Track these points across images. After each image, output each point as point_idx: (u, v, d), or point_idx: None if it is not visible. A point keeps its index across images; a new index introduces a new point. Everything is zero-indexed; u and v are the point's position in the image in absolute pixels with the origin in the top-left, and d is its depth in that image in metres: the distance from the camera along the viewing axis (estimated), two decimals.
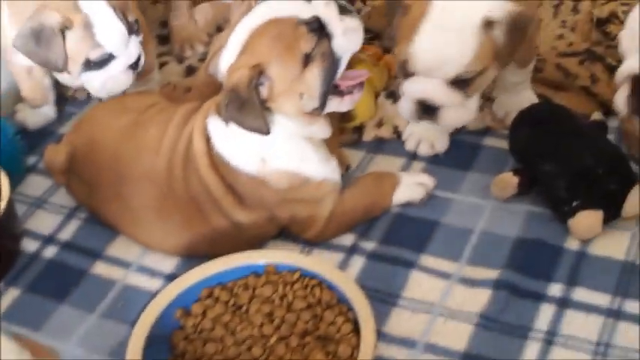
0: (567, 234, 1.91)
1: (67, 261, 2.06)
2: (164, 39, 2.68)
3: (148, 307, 1.75)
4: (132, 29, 2.13)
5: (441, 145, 2.16)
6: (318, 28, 1.81)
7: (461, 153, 2.18)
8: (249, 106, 1.79)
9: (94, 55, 2.10)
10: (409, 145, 2.18)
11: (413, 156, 2.19)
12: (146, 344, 1.68)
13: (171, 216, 1.98)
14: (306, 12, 1.82)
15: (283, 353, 1.68)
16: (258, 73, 1.78)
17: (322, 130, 1.94)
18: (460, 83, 1.89)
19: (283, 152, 1.90)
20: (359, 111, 2.21)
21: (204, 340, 1.74)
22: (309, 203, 1.94)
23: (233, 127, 1.85)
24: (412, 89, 1.94)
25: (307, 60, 1.81)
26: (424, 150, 2.16)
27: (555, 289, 1.81)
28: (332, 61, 1.83)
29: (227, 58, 1.87)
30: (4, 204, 1.99)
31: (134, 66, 2.18)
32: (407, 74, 1.93)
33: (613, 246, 1.88)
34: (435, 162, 2.17)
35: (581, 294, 1.80)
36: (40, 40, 2.04)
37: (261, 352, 1.69)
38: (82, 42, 2.08)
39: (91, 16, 2.06)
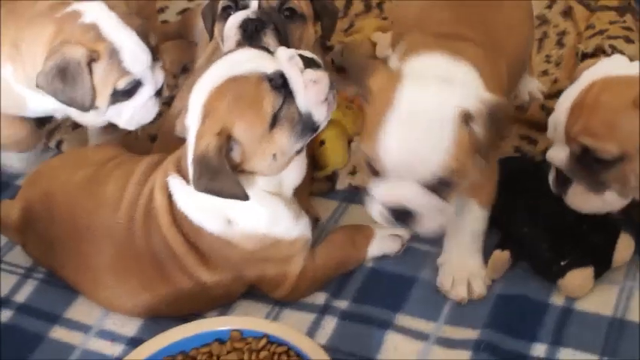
0: (551, 288, 1.90)
1: (23, 325, 2.02)
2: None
3: None
4: (155, 54, 2.10)
5: (479, 288, 1.93)
6: (281, 84, 1.78)
7: None
8: (223, 175, 1.75)
9: (123, 84, 2.07)
10: (445, 287, 1.93)
11: None
12: None
13: (131, 275, 1.95)
14: (268, 66, 1.79)
15: None
16: (226, 138, 1.75)
17: (295, 173, 1.91)
18: (438, 185, 1.68)
19: (252, 213, 1.87)
20: (331, 158, 2.21)
21: None
22: (278, 262, 1.92)
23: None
24: (382, 193, 1.74)
25: (275, 119, 1.78)
26: (460, 293, 1.91)
27: (539, 350, 1.79)
28: (301, 118, 1.81)
29: (190, 120, 1.84)
30: None
31: (159, 93, 2.16)
32: (375, 173, 1.74)
33: (600, 301, 1.87)
34: None
35: (566, 354, 1.78)
36: (66, 77, 2.01)
37: None
38: (110, 72, 2.05)
39: (116, 42, 2.03)
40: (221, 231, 1.88)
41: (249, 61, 1.80)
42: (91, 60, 2.01)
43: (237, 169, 1.79)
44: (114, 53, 2.03)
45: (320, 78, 1.81)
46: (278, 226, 1.89)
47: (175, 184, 1.88)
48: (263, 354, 1.74)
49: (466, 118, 1.62)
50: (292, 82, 1.79)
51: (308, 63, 1.82)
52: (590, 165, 1.74)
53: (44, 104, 2.22)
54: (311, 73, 1.80)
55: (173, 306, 1.95)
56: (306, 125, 1.81)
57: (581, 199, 1.80)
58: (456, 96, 1.64)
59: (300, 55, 1.82)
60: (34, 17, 2.13)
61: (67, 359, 1.93)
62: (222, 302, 1.97)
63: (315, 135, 1.87)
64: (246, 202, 1.79)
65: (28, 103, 2.26)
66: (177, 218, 1.90)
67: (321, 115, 1.82)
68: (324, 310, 1.95)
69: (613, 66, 1.79)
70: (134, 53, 2.05)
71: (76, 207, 2.01)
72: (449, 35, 1.82)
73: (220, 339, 1.78)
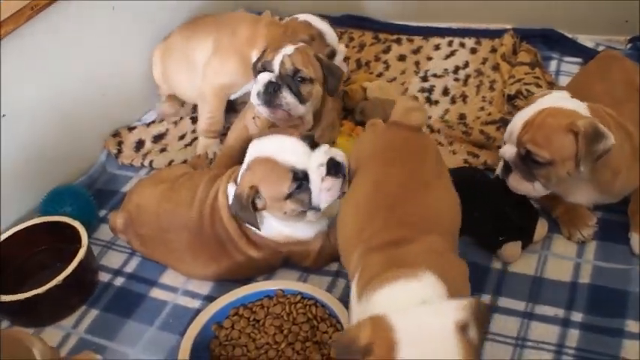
0: (492, 257, 1.91)
1: (131, 288, 2.04)
2: (195, 120, 2.62)
3: (193, 323, 1.74)
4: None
5: None
6: (301, 179, 1.77)
7: None
8: (247, 211, 1.79)
9: None
10: None
11: None
12: (192, 349, 1.68)
13: (202, 253, 1.96)
14: (300, 162, 1.77)
15: (291, 355, 1.68)
16: (255, 192, 1.78)
17: (306, 228, 1.90)
18: None
19: (277, 228, 1.89)
20: None
21: (233, 346, 1.74)
22: (303, 244, 1.93)
23: None
24: None
25: (289, 196, 1.78)
26: None
27: (485, 299, 1.81)
28: (309, 204, 1.80)
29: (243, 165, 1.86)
30: (84, 249, 1.99)
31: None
32: None
33: (526, 265, 1.89)
34: None
35: (503, 302, 1.80)
36: None
37: (275, 354, 1.69)
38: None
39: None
40: (254, 230, 1.89)
41: (290, 151, 1.78)
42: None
43: (263, 209, 1.82)
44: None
45: (334, 186, 1.79)
46: (297, 233, 1.90)
47: (232, 191, 1.88)
48: (298, 305, 1.76)
49: (463, 328, 1.22)
50: (312, 184, 1.78)
51: (334, 168, 1.78)
52: (528, 162, 1.81)
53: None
54: (329, 181, 1.78)
55: (232, 273, 1.96)
56: (311, 207, 1.81)
57: (518, 184, 1.86)
58: (443, 313, 1.23)
59: (332, 159, 1.78)
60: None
61: (163, 311, 1.95)
62: (266, 271, 1.97)
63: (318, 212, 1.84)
64: (274, 221, 1.86)
65: None
66: (233, 215, 1.90)
67: (324, 203, 1.81)
68: (337, 275, 1.96)
69: (559, 99, 1.83)
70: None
71: (160, 210, 2.00)
72: (395, 241, 1.46)
73: (269, 295, 1.80)
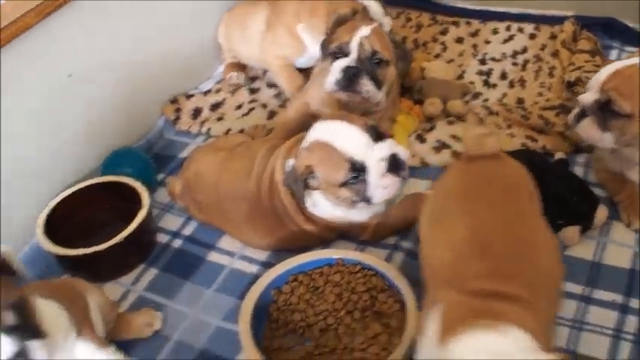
0: None
1: (189, 250, 2.08)
2: (253, 91, 2.68)
3: (253, 287, 1.77)
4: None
5: None
6: (359, 170, 1.77)
7: None
8: (298, 186, 1.81)
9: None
10: None
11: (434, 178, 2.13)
12: (252, 313, 1.71)
13: (260, 224, 1.99)
14: (360, 154, 1.77)
15: (349, 322, 1.72)
16: (309, 172, 1.80)
17: (360, 213, 1.91)
18: None
19: (326, 211, 1.91)
20: None
21: (292, 311, 1.77)
22: (356, 224, 1.95)
23: None
24: None
25: (343, 185, 1.79)
26: None
27: None
28: (363, 195, 1.81)
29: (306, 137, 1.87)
30: (146, 209, 2.03)
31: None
32: None
33: (584, 249, 1.89)
34: None
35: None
36: None
37: (334, 321, 1.72)
38: None
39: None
40: (309, 206, 1.91)
41: (352, 142, 1.78)
42: None
43: (317, 189, 1.83)
44: None
45: (392, 185, 1.80)
46: (349, 216, 1.91)
47: (288, 166, 1.89)
48: (358, 275, 1.79)
49: None
50: (369, 177, 1.77)
51: (395, 166, 1.79)
52: (606, 111, 1.82)
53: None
54: (388, 179, 1.79)
55: (287, 245, 1.98)
56: (364, 199, 1.82)
57: (589, 130, 1.87)
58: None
59: (394, 156, 1.78)
60: None
61: (220, 274, 1.99)
62: (321, 244, 1.97)
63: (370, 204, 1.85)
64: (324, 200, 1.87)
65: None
66: None
67: (379, 199, 1.82)
68: (394, 248, 1.98)
69: None
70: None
71: (218, 180, 2.02)
72: (495, 294, 1.29)
73: (329, 264, 1.82)
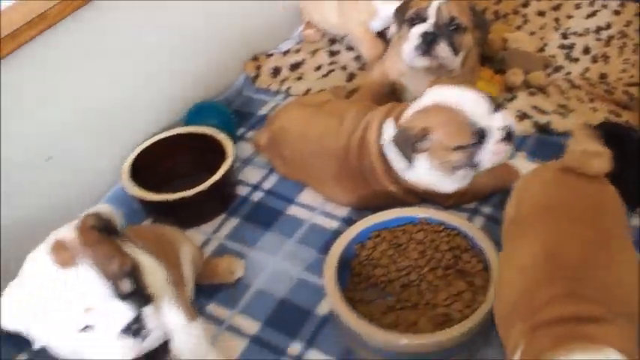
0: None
1: (269, 203, 2.12)
2: (332, 53, 2.70)
3: (337, 240, 1.79)
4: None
5: None
6: (480, 136, 1.78)
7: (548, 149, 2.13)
8: (407, 147, 1.81)
9: None
10: None
11: (517, 148, 2.16)
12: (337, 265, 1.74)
13: (345, 181, 2.01)
14: (483, 120, 1.78)
15: (432, 279, 1.74)
16: (425, 134, 1.79)
17: (450, 182, 1.92)
18: None
19: (421, 175, 1.91)
20: None
21: (374, 266, 1.79)
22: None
23: None
24: None
25: (458, 148, 1.80)
26: None
27: None
28: (471, 161, 1.82)
29: (413, 106, 1.87)
30: (231, 159, 2.07)
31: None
32: None
33: None
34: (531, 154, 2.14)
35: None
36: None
37: (416, 277, 1.75)
38: None
39: None
40: (401, 170, 1.92)
41: (475, 105, 1.79)
42: None
43: (422, 152, 1.83)
44: None
45: (503, 152, 1.82)
46: (438, 185, 1.93)
47: (389, 127, 1.91)
48: (442, 234, 1.80)
49: None
50: (487, 143, 1.80)
51: (509, 135, 1.81)
52: None
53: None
54: (500, 146, 1.81)
55: (369, 203, 2.00)
56: (472, 165, 1.84)
57: None
58: None
59: (508, 127, 1.81)
60: None
61: (301, 227, 2.02)
62: (399, 205, 1.93)
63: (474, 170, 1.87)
64: (423, 168, 1.86)
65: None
66: (381, 150, 1.93)
67: (487, 164, 1.83)
68: (474, 212, 2.00)
69: None
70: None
71: (305, 135, 2.05)
72: (577, 317, 1.20)
73: (412, 222, 1.84)
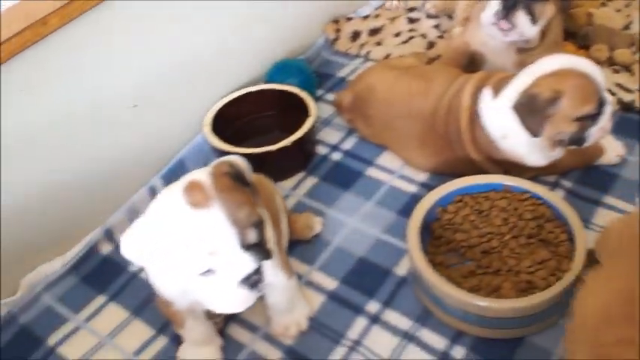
0: None
1: (348, 164, 2.14)
2: (412, 20, 2.70)
3: (419, 203, 1.80)
4: None
5: None
6: (600, 108, 1.77)
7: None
8: (536, 114, 1.76)
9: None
10: None
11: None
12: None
13: (429, 145, 2.02)
14: (604, 93, 1.79)
15: (514, 247, 1.74)
16: (555, 97, 1.75)
17: (542, 158, 1.90)
18: None
19: (518, 146, 1.89)
20: None
21: (455, 231, 1.80)
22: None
23: (501, 106, 1.85)
24: None
25: (578, 119, 1.77)
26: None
27: None
28: (582, 134, 1.80)
29: (532, 72, 1.83)
30: (313, 117, 2.09)
31: None
32: None
33: None
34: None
35: None
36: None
37: (498, 243, 1.75)
38: None
39: None
40: (496, 139, 1.90)
41: (602, 80, 1.78)
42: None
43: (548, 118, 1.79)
44: None
45: (608, 129, 1.83)
46: (529, 157, 1.91)
47: (486, 95, 1.90)
48: (526, 202, 1.80)
49: None
50: (602, 119, 1.79)
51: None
52: None
53: None
54: (607, 123, 1.81)
55: (449, 168, 2.01)
56: (581, 139, 1.82)
57: None
58: None
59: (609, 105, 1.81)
60: None
61: (379, 189, 2.04)
62: (478, 173, 1.91)
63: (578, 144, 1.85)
64: (521, 138, 1.83)
65: None
66: (472, 117, 1.92)
67: (591, 140, 1.83)
68: (554, 185, 2.00)
69: None
70: None
71: (392, 96, 2.06)
72: None
73: (495, 189, 1.84)
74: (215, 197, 1.27)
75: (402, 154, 2.11)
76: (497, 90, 1.89)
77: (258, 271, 1.31)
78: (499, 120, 1.89)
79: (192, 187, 1.29)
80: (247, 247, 1.29)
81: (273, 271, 1.48)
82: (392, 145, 2.13)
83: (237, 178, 1.34)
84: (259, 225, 1.31)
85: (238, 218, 1.28)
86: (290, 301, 1.64)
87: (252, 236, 1.29)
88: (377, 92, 2.10)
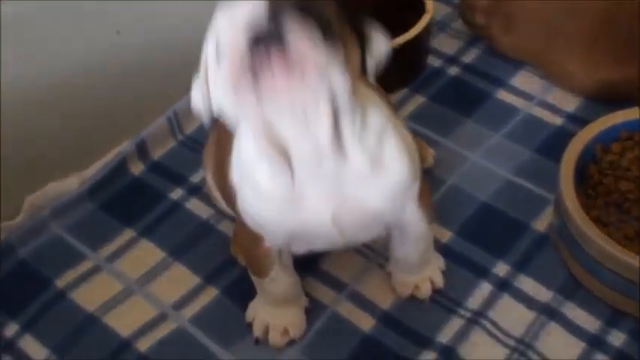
0: None
1: (469, 81, 1.93)
2: None
3: (572, 142, 1.59)
4: None
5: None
6: None
7: None
8: None
9: None
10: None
11: None
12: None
13: (600, 48, 1.80)
14: None
15: None
16: None
17: None
18: None
19: None
20: None
21: (618, 178, 1.58)
22: None
23: None
24: None
25: None
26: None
27: None
28: None
29: None
30: (429, 16, 1.86)
31: None
32: None
33: None
34: None
35: None
36: None
37: None
38: None
39: None
40: None
41: None
42: None
43: None
44: None
45: None
46: None
47: None
48: None
49: None
50: None
51: None
52: None
53: None
54: None
55: (619, 88, 1.81)
56: None
57: None
58: None
59: None
60: None
61: (511, 118, 1.85)
62: None
63: None
64: None
65: None
66: None
67: None
68: None
69: None
70: None
71: None
72: None
73: None
74: None
75: (551, 66, 1.87)
76: None
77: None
78: None
79: None
80: None
81: (408, 207, 1.32)
82: (541, 55, 1.90)
83: None
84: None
85: None
86: (425, 253, 1.47)
87: None
88: None
